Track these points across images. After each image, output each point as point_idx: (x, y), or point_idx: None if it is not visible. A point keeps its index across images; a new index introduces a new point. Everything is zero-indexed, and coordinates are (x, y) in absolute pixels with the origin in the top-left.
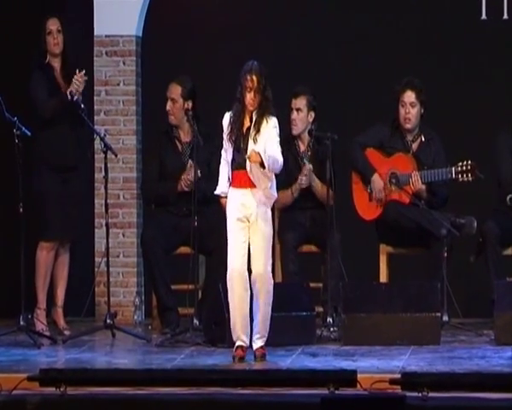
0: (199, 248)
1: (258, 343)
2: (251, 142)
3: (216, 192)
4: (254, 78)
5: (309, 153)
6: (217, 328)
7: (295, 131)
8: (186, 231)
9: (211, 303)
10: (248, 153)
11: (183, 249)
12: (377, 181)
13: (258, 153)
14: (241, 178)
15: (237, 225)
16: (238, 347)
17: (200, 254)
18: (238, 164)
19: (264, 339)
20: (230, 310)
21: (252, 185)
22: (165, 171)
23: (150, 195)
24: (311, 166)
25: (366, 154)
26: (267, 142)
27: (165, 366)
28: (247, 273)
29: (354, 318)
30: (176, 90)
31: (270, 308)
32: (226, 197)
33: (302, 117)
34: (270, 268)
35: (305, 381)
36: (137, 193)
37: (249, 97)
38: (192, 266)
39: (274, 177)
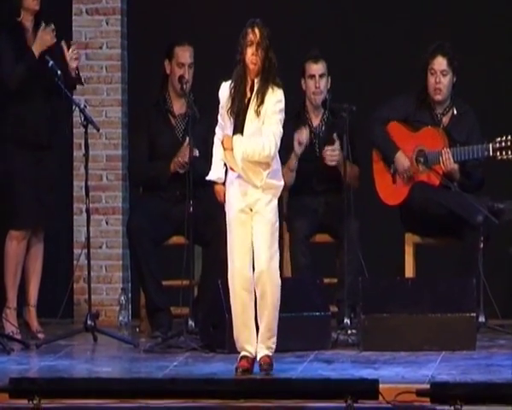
0: (194, 239)
1: (262, 352)
2: (251, 115)
3: (209, 177)
4: (257, 31)
5: (323, 128)
6: (215, 331)
7: (318, 101)
8: (179, 218)
9: (208, 302)
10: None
11: (176, 240)
12: (402, 160)
13: (231, 139)
14: None
15: (239, 217)
16: (242, 357)
17: (195, 244)
18: None
19: (272, 350)
20: (233, 316)
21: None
22: (155, 148)
23: (138, 176)
24: (338, 143)
25: (388, 128)
26: (265, 121)
27: (155, 375)
28: (251, 274)
29: (375, 319)
30: (191, 53)
31: (278, 313)
32: (223, 184)
33: (325, 84)
34: (276, 265)
35: (319, 392)
36: (123, 174)
37: (250, 53)
38: (186, 258)
39: (278, 161)
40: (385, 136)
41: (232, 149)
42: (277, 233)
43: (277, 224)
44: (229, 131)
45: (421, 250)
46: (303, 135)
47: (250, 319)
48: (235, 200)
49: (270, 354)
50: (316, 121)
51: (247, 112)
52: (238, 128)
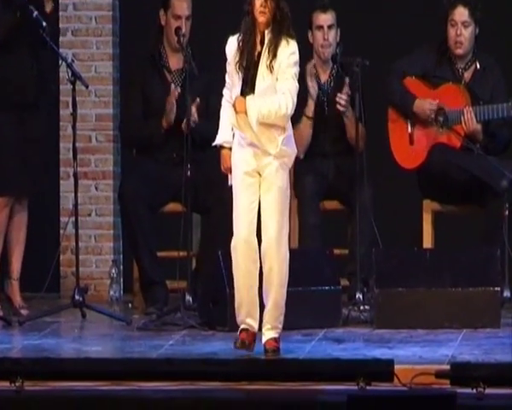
0: (193, 206)
1: (268, 335)
2: (263, 71)
3: (216, 142)
4: None
5: (331, 84)
6: (215, 307)
7: (326, 54)
8: (177, 183)
9: (208, 275)
10: (233, 100)
11: (173, 207)
12: (421, 105)
13: (245, 100)
14: None
15: (245, 180)
16: (242, 330)
17: (194, 212)
18: None
19: (278, 331)
20: (235, 287)
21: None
22: (149, 106)
23: (131, 137)
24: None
25: (406, 84)
26: (278, 76)
27: (149, 356)
28: (255, 242)
29: (390, 294)
30: (189, 4)
31: (285, 290)
32: (230, 149)
33: (334, 36)
34: (286, 238)
35: (328, 374)
36: (114, 134)
37: (259, 4)
38: (184, 227)
39: (290, 126)
40: (402, 89)
41: (245, 112)
42: (288, 203)
43: (288, 192)
44: (238, 88)
45: (441, 219)
46: (312, 70)
47: (253, 292)
48: (242, 162)
49: (277, 335)
50: (324, 77)
51: (258, 67)
52: (248, 85)
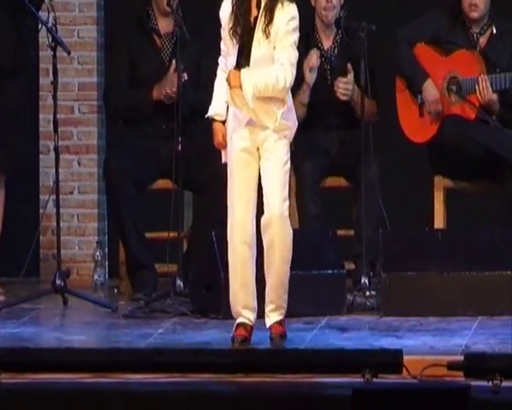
0: (184, 183)
1: (272, 318)
2: (259, 37)
3: (209, 114)
4: None
5: (335, 50)
6: (208, 292)
7: (330, 18)
8: (166, 158)
9: (200, 258)
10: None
11: (163, 184)
12: (431, 89)
13: (239, 74)
14: None
15: (242, 157)
16: (239, 325)
17: (185, 190)
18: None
19: (282, 312)
20: (230, 275)
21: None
22: (137, 74)
23: (117, 107)
24: (351, 75)
25: (415, 51)
26: (276, 44)
27: (136, 345)
28: (253, 226)
29: (398, 278)
30: None
31: (289, 268)
32: (223, 122)
33: None
34: (287, 212)
35: (331, 366)
36: (98, 105)
37: None
38: (174, 206)
39: (290, 97)
40: (412, 59)
41: (240, 87)
42: (288, 176)
43: (289, 164)
44: (233, 58)
45: (454, 197)
46: (313, 59)
47: (250, 279)
48: (238, 137)
49: (282, 317)
50: (327, 43)
51: (253, 33)
52: (244, 54)
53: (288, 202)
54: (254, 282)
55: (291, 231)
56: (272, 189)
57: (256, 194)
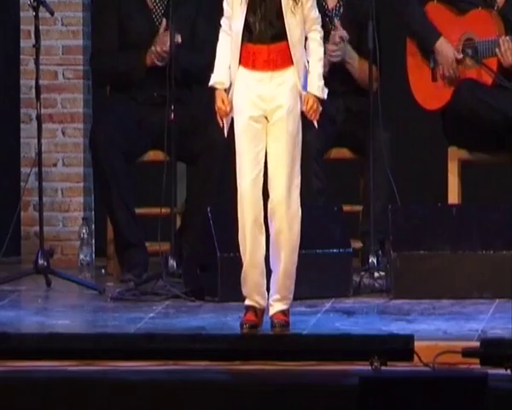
0: (177, 154)
1: (276, 307)
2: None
3: (211, 83)
4: None
5: (341, 10)
6: (204, 273)
7: None
8: (158, 127)
9: (195, 236)
10: (307, 106)
11: (154, 155)
12: (444, 49)
13: (313, 96)
14: (258, 55)
15: (251, 126)
16: (249, 308)
17: (178, 161)
18: (255, 34)
19: (288, 302)
20: (241, 255)
21: (275, 66)
22: (127, 36)
23: (105, 73)
24: (345, 32)
25: (427, 10)
26: (305, 18)
27: (125, 330)
28: (261, 201)
29: (409, 257)
30: None
31: (297, 255)
32: (225, 90)
33: None
34: (297, 194)
35: (336, 352)
36: (85, 70)
37: None
38: (167, 180)
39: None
40: (423, 18)
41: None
42: (299, 151)
43: (300, 137)
44: (240, 20)
45: (470, 169)
46: (341, 33)
47: (261, 260)
48: (247, 104)
49: (287, 307)
50: (332, 2)
51: None
52: (257, 15)
53: (297, 184)
54: (264, 263)
55: (299, 213)
56: (279, 170)
57: (263, 167)
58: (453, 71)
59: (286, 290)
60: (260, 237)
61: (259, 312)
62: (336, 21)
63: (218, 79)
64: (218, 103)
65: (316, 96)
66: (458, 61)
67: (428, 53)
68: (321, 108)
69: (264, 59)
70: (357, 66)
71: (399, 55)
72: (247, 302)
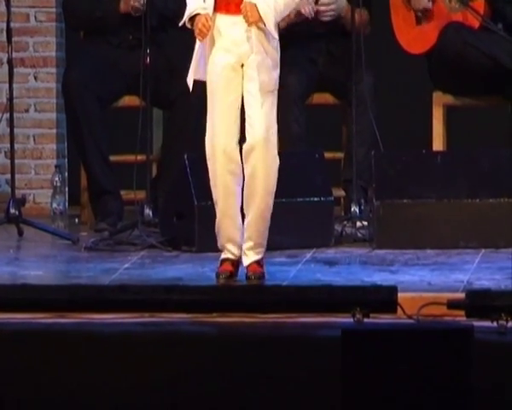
0: (153, 99)
1: (251, 256)
2: None
3: (188, 14)
4: None
5: None
6: (181, 222)
7: None
8: (133, 71)
9: (171, 184)
10: (242, 7)
11: (129, 100)
12: None
13: (255, 5)
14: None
15: (226, 74)
16: (224, 260)
17: (154, 107)
18: None
19: (262, 250)
20: (215, 204)
21: None
22: None
23: (79, 16)
24: None
25: None
26: None
27: (100, 281)
28: (237, 152)
29: (393, 206)
30: None
31: (272, 200)
32: (205, 20)
33: None
34: (274, 138)
35: (318, 304)
36: (57, 13)
37: None
38: (142, 125)
39: None
40: None
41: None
42: (276, 98)
43: (277, 83)
44: None
45: (456, 114)
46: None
47: (235, 211)
48: (221, 52)
49: (261, 256)
50: None
51: None
52: None
53: (275, 128)
54: (239, 214)
55: (277, 160)
56: (256, 111)
57: (239, 117)
58: (422, 14)
59: (259, 237)
60: (235, 188)
61: (235, 262)
62: None
63: (197, 5)
64: (202, 20)
65: (255, 7)
66: (443, 6)
67: None
68: (256, 18)
69: (237, 2)
70: (347, 14)
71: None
72: (223, 255)
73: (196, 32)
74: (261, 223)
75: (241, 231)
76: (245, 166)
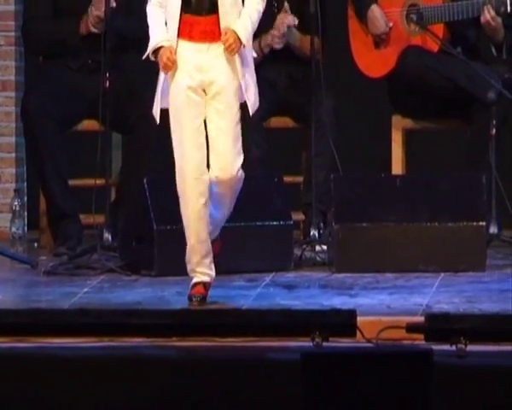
0: (112, 123)
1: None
2: None
3: (154, 46)
4: None
5: None
6: (140, 246)
7: None
8: (92, 95)
9: (131, 208)
10: (223, 37)
11: (88, 124)
12: (375, 18)
13: (233, 32)
14: (195, 26)
15: (189, 96)
16: (196, 284)
17: (114, 131)
18: (193, 5)
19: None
20: (186, 231)
21: (212, 38)
22: (60, 3)
23: (38, 41)
24: (292, 18)
25: None
26: None
27: (59, 305)
28: (207, 175)
29: (352, 229)
30: None
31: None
32: (170, 53)
33: None
34: (239, 165)
35: (277, 328)
36: (17, 36)
37: None
38: (101, 149)
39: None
40: None
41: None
42: (240, 125)
43: (238, 110)
44: None
45: (415, 138)
46: (288, 19)
47: (205, 234)
48: (184, 75)
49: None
50: None
51: None
52: None
53: (242, 157)
54: (209, 237)
55: (242, 179)
56: (224, 143)
57: (205, 140)
58: (380, 38)
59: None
60: (206, 209)
61: (208, 285)
62: (286, 4)
63: (161, 38)
64: (167, 54)
65: (235, 33)
66: (402, 30)
67: (361, 19)
68: (239, 47)
69: (200, 30)
70: (300, 44)
71: (342, 21)
72: (195, 279)
73: (161, 66)
74: (217, 226)
75: (211, 252)
76: (213, 187)
